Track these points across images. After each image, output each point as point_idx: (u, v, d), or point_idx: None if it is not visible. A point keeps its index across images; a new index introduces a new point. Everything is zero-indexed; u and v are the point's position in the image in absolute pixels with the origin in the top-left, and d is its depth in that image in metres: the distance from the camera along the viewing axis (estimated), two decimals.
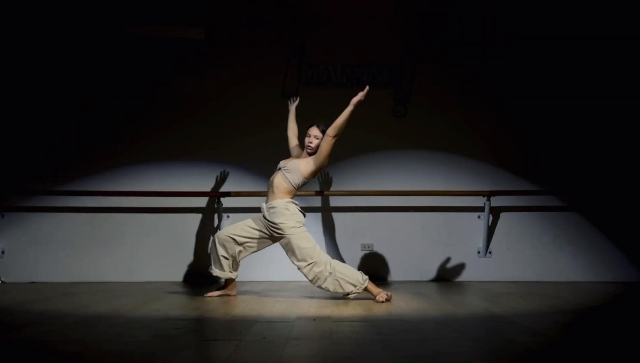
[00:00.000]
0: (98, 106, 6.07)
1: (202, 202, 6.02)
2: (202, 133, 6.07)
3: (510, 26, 6.13)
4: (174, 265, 5.98)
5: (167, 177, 6.04)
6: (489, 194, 5.93)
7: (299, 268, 4.57)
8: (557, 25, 6.05)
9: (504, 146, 6.15)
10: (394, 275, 5.99)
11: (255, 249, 4.73)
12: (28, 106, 6.04)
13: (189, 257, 6.02)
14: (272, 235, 4.63)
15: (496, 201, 5.98)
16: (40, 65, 6.05)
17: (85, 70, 6.08)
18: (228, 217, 5.95)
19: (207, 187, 6.01)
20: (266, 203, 4.63)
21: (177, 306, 4.31)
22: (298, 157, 4.78)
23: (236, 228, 4.68)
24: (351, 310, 4.04)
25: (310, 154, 4.67)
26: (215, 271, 4.71)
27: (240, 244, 4.65)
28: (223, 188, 6.01)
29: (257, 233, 4.66)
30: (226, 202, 5.92)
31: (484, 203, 5.95)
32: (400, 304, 4.27)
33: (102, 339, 3.11)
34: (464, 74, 6.18)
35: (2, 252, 5.90)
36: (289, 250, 4.56)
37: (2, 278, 5.87)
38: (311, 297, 4.72)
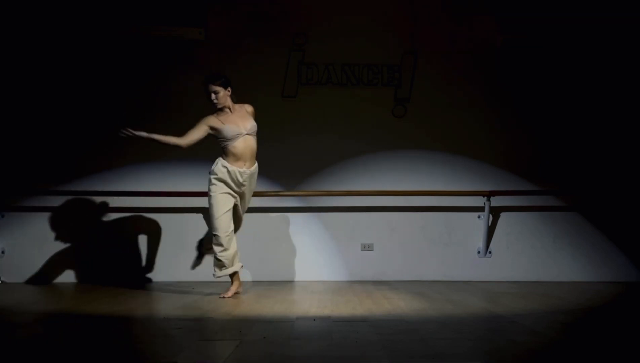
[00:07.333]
0: (98, 106, 6.07)
1: (202, 202, 6.00)
2: None
3: (511, 25, 6.12)
4: (173, 266, 5.98)
5: (167, 177, 6.04)
6: (488, 194, 5.93)
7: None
8: (557, 25, 6.05)
9: (504, 146, 6.15)
10: (394, 275, 5.99)
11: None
12: (28, 107, 6.04)
13: (189, 257, 6.00)
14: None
15: (496, 201, 5.98)
16: (40, 65, 6.05)
17: (85, 71, 6.08)
18: None
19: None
20: (247, 169, 4.80)
21: (177, 306, 4.31)
22: (228, 121, 4.86)
23: (226, 216, 4.85)
24: (351, 310, 4.04)
25: (221, 109, 4.88)
26: (223, 271, 4.82)
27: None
28: None
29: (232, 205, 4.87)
30: None
31: (484, 203, 5.95)
32: (400, 304, 4.27)
33: (102, 339, 3.11)
34: (464, 73, 6.18)
35: (2, 252, 5.90)
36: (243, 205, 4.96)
37: (2, 278, 5.87)
38: (311, 297, 4.72)
